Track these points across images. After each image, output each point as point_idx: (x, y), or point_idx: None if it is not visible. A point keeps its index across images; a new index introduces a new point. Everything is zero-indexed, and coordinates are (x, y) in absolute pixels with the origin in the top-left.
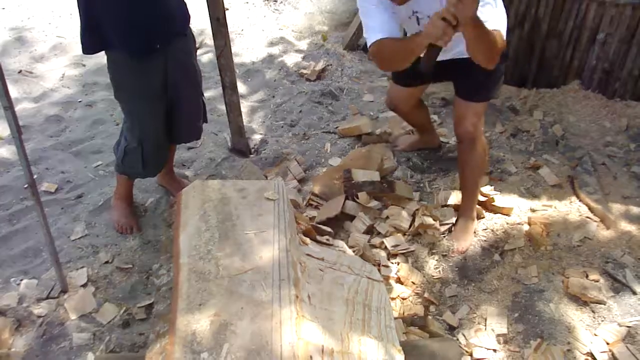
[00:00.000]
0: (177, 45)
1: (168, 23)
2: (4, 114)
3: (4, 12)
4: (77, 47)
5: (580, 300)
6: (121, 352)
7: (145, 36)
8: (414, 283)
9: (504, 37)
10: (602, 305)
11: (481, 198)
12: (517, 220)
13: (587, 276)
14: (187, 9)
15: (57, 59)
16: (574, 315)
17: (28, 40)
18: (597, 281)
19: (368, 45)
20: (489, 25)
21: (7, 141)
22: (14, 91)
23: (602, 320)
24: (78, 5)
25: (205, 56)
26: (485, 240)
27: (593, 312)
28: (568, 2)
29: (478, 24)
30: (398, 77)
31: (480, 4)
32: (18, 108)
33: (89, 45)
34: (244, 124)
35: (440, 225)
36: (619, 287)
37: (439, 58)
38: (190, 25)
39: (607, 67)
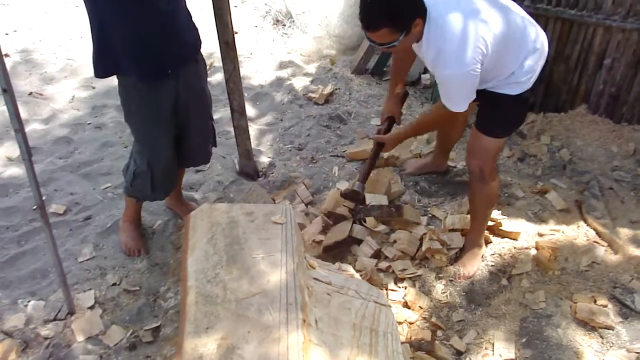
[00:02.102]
0: (188, 70)
1: (180, 48)
2: (15, 135)
3: (16, 34)
4: (87, 70)
5: (589, 326)
6: None
7: (157, 61)
8: (421, 307)
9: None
10: (611, 331)
11: (489, 222)
12: (525, 245)
13: (595, 301)
14: (198, 34)
15: (67, 81)
16: (582, 340)
17: (39, 62)
18: (606, 306)
19: (456, 110)
20: (444, 102)
21: (16, 162)
22: (24, 113)
23: (611, 346)
24: (91, 30)
25: (214, 79)
26: (492, 265)
27: (601, 337)
28: (575, 27)
29: (406, 137)
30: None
31: (444, 86)
32: (28, 129)
33: (101, 69)
34: (252, 147)
35: (448, 250)
36: (627, 312)
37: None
38: (201, 49)
39: (614, 92)
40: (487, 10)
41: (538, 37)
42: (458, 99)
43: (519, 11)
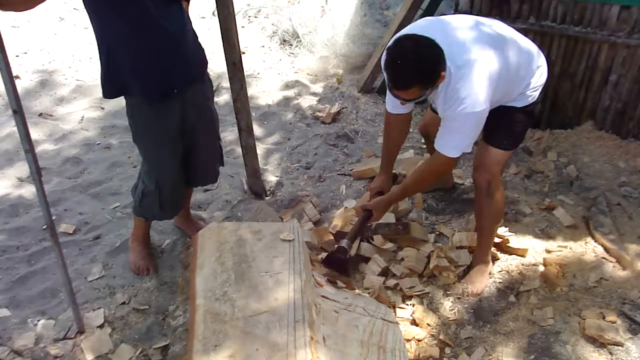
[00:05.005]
0: (195, 90)
1: (186, 69)
2: (25, 156)
3: (27, 56)
4: (96, 91)
5: (598, 342)
6: None
7: (163, 82)
8: (429, 325)
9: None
10: (620, 347)
11: (496, 239)
12: (533, 261)
13: (604, 317)
14: (204, 54)
15: (77, 102)
16: (591, 357)
17: (49, 84)
18: (614, 322)
19: (452, 155)
20: (442, 150)
21: (27, 183)
22: (34, 133)
23: None
24: (99, 51)
25: (222, 99)
26: (500, 282)
27: (610, 354)
28: (580, 44)
29: (397, 200)
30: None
31: (450, 124)
32: (38, 150)
33: (109, 90)
34: (260, 166)
35: (455, 267)
36: (636, 328)
37: None
38: (207, 70)
39: (620, 108)
40: (494, 48)
41: (539, 56)
42: (468, 140)
43: (517, 37)
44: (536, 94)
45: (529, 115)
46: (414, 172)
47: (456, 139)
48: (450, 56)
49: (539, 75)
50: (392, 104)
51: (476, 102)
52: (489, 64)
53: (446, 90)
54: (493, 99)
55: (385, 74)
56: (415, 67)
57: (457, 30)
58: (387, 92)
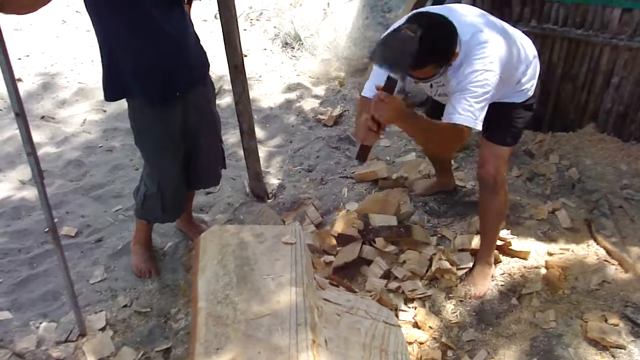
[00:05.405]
0: (197, 93)
1: (188, 72)
2: (27, 159)
3: (29, 59)
4: (98, 93)
5: (600, 345)
6: None
7: (165, 85)
8: (431, 327)
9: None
10: (623, 350)
11: (498, 242)
12: (535, 264)
13: (606, 320)
14: (206, 57)
15: (79, 104)
16: None
17: (51, 86)
18: (617, 325)
19: (458, 122)
20: (452, 118)
21: (29, 185)
22: (36, 136)
23: None
24: (101, 54)
25: (224, 101)
26: (502, 285)
27: (613, 356)
28: (581, 47)
29: (407, 122)
30: (433, 110)
31: (460, 93)
32: (40, 153)
33: (111, 92)
34: (262, 169)
35: (457, 269)
36: (639, 331)
37: None
38: (209, 72)
39: (622, 110)
40: (499, 32)
41: (532, 47)
42: (477, 107)
43: (512, 28)
44: (534, 86)
45: (528, 109)
46: (431, 125)
47: (465, 104)
48: (461, 34)
49: (535, 65)
50: (372, 92)
51: (491, 62)
52: (498, 44)
53: (459, 61)
54: (502, 74)
55: None
56: (431, 45)
57: (465, 16)
58: (371, 77)
